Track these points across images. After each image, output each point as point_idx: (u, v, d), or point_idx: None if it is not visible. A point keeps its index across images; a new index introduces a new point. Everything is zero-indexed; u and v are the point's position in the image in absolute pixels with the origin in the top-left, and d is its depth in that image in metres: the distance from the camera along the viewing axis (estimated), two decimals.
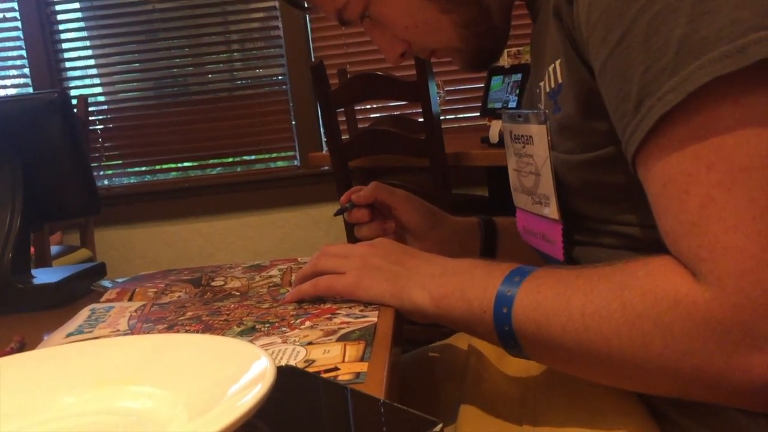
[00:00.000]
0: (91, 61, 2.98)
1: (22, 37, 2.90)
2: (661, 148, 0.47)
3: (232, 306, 0.71)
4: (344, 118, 2.50)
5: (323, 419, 0.43)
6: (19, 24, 2.90)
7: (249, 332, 0.61)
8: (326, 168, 2.68)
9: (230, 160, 2.99)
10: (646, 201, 0.50)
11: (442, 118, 1.87)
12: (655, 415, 0.58)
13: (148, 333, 0.64)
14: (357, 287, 0.66)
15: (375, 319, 0.61)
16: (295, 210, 2.92)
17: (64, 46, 2.96)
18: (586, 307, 0.50)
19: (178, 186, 2.95)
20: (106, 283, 0.85)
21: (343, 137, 1.96)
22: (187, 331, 0.63)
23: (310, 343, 0.56)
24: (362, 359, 0.52)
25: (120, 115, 2.96)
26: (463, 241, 0.86)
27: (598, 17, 0.50)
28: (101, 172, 2.97)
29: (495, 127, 1.81)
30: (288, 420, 0.41)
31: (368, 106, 2.88)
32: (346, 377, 0.49)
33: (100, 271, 0.91)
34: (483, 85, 2.01)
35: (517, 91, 1.84)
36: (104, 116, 2.96)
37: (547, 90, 0.63)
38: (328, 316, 0.63)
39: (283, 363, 0.52)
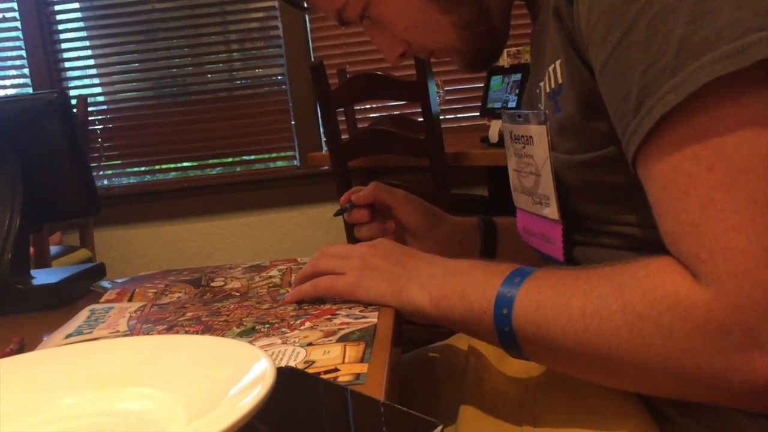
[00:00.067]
0: (91, 61, 2.98)
1: (21, 37, 2.90)
2: (662, 148, 0.47)
3: (232, 307, 0.71)
4: (344, 118, 2.50)
5: (323, 421, 0.43)
6: (18, 24, 2.90)
7: (249, 333, 0.61)
8: (326, 168, 2.68)
9: (230, 160, 2.99)
10: (646, 201, 0.50)
11: (441, 117, 1.88)
12: (655, 415, 0.58)
13: (148, 334, 0.64)
14: (357, 288, 0.66)
15: (375, 320, 0.61)
16: (294, 210, 2.92)
17: (64, 46, 2.96)
18: (586, 308, 0.50)
19: (178, 186, 2.95)
20: (105, 283, 0.85)
21: (342, 137, 1.96)
22: (186, 332, 0.63)
23: (310, 344, 0.56)
24: (362, 360, 0.51)
25: (119, 115, 2.96)
26: (463, 241, 0.86)
27: (598, 17, 0.50)
28: (101, 172, 2.97)
29: (494, 126, 1.81)
30: (288, 421, 0.41)
31: (368, 106, 2.88)
32: (346, 378, 0.49)
33: (99, 271, 0.90)
34: (482, 84, 2.01)
35: (517, 91, 1.84)
36: (104, 116, 2.96)
37: (547, 90, 0.63)
38: (328, 316, 0.63)
39: (282, 364, 0.52)
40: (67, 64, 2.98)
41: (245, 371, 0.39)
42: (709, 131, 0.45)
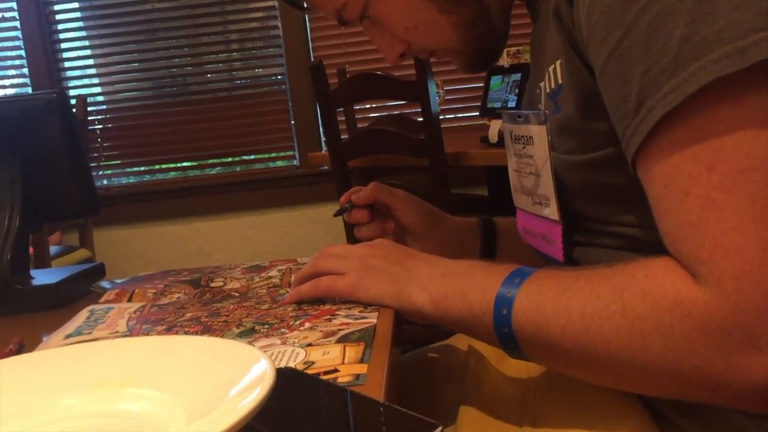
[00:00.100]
0: (90, 61, 2.98)
1: (21, 37, 2.90)
2: (661, 149, 0.47)
3: (232, 307, 0.71)
4: (343, 118, 2.50)
5: (322, 421, 0.43)
6: (17, 24, 2.90)
7: (248, 334, 0.61)
8: (325, 168, 2.68)
9: (229, 159, 2.99)
10: (646, 202, 0.50)
11: (441, 117, 1.88)
12: (654, 416, 0.58)
13: (147, 334, 0.64)
14: (357, 288, 0.66)
15: (374, 321, 0.61)
16: (294, 210, 2.92)
17: (63, 46, 2.95)
18: (586, 309, 0.50)
19: (178, 186, 2.95)
20: (105, 284, 0.85)
21: (342, 137, 1.96)
22: (186, 333, 0.63)
23: (309, 345, 0.56)
24: (362, 361, 0.51)
25: (119, 115, 2.96)
26: (463, 241, 0.86)
27: (598, 18, 0.50)
28: (100, 172, 2.97)
29: (494, 126, 1.81)
30: (287, 422, 0.41)
31: (367, 106, 2.88)
32: (346, 379, 0.48)
33: (99, 271, 0.90)
34: (482, 84, 2.01)
35: (517, 91, 1.84)
36: (103, 116, 2.96)
37: (548, 90, 0.63)
38: (328, 317, 0.63)
39: (282, 365, 0.51)
40: (66, 64, 2.97)
41: (245, 372, 0.39)
42: (709, 132, 0.44)
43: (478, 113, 2.18)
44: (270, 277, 0.81)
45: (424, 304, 0.61)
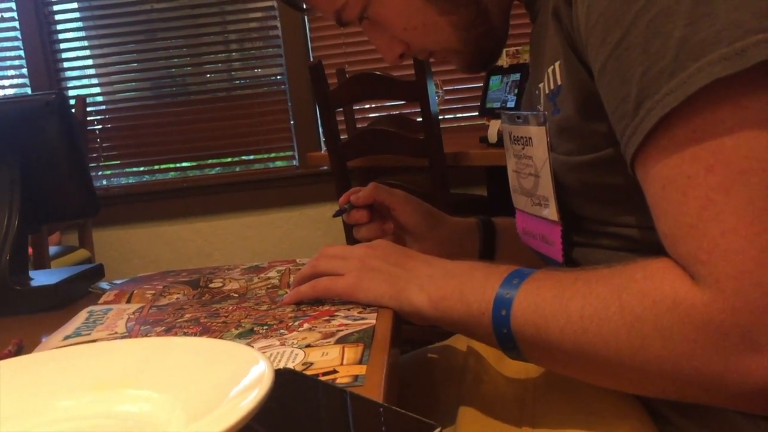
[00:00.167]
0: (90, 62, 2.98)
1: (20, 37, 2.90)
2: (660, 150, 0.47)
3: (231, 308, 0.71)
4: (343, 118, 2.50)
5: (321, 423, 0.43)
6: (17, 24, 2.90)
7: (247, 334, 0.61)
8: (325, 168, 2.69)
9: (229, 160, 2.99)
10: (645, 203, 0.50)
11: (440, 117, 1.88)
12: (653, 416, 0.58)
13: (146, 335, 0.64)
14: (356, 289, 0.66)
15: (373, 321, 0.61)
16: (293, 210, 2.92)
17: (62, 46, 2.95)
18: (584, 310, 0.50)
19: (177, 186, 2.95)
20: (104, 284, 0.85)
21: (341, 137, 1.96)
22: (185, 334, 0.63)
23: (308, 346, 0.56)
24: (361, 362, 0.51)
25: (118, 116, 2.96)
26: (462, 241, 0.86)
27: (597, 19, 0.50)
28: (100, 173, 2.97)
29: (494, 126, 1.81)
30: (286, 423, 0.41)
31: (367, 106, 2.89)
32: (345, 380, 0.48)
33: (98, 272, 0.90)
34: (481, 84, 2.01)
35: (516, 91, 1.84)
36: (102, 116, 2.96)
37: (547, 91, 0.63)
38: (327, 318, 0.63)
39: (281, 366, 0.51)
40: (65, 65, 2.97)
41: (244, 373, 0.39)
42: (708, 133, 0.44)
43: (477, 113, 2.18)
44: (269, 278, 0.81)
45: (423, 304, 0.61)
